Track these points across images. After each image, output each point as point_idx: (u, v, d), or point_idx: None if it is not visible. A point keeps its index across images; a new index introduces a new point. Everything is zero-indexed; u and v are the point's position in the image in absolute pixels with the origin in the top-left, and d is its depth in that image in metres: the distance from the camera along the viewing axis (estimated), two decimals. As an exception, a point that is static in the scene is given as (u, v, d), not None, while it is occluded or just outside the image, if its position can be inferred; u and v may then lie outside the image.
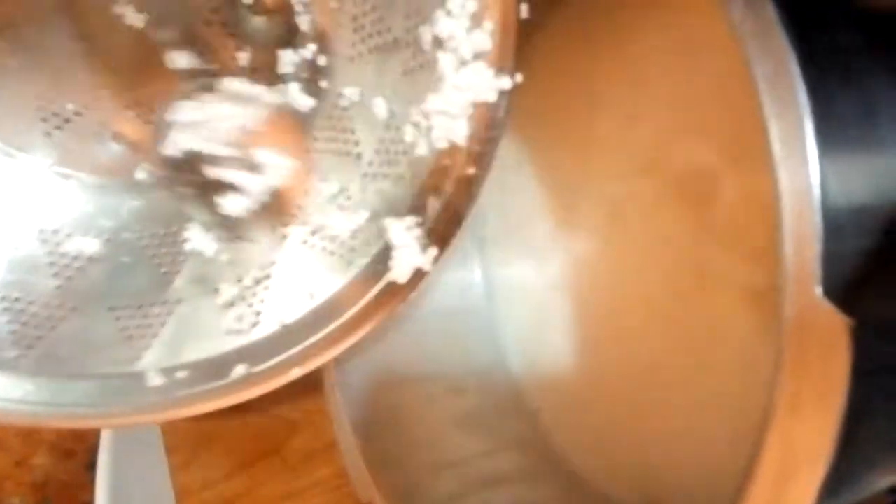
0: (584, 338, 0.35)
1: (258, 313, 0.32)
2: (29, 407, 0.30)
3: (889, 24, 0.20)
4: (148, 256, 0.34)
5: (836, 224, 0.17)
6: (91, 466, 0.37)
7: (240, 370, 0.30)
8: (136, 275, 0.33)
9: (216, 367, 0.31)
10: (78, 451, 0.38)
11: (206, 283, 0.33)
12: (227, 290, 0.32)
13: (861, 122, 0.19)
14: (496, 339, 0.37)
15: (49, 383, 0.30)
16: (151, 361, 0.31)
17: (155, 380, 0.30)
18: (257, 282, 0.33)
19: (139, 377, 0.31)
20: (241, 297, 0.32)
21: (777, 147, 0.16)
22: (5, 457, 0.37)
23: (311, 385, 0.37)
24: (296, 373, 0.30)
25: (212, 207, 0.34)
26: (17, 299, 0.31)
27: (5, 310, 0.31)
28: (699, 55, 0.28)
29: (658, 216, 0.31)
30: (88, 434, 0.37)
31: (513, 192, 0.36)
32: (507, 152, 0.35)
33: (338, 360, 0.34)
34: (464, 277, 0.37)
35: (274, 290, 0.32)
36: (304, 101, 0.33)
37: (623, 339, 0.34)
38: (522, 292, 0.37)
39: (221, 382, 0.30)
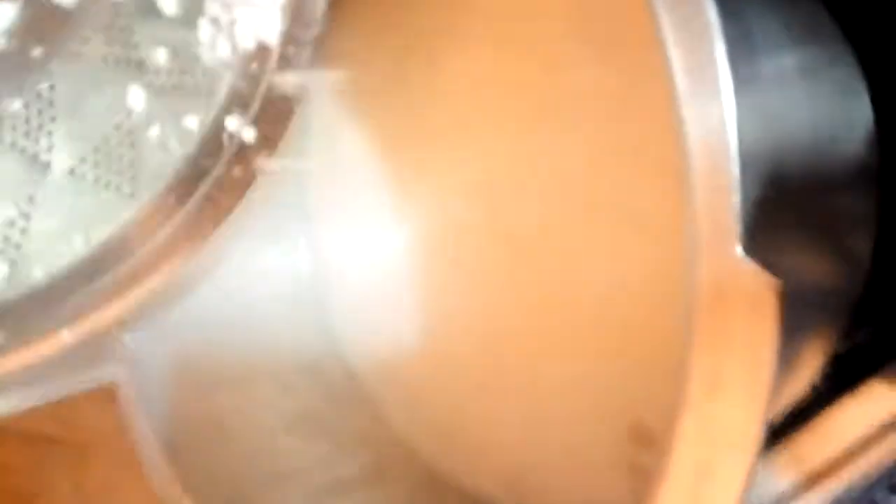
0: (428, 314, 0.32)
1: (13, 263, 0.27)
2: None
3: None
4: None
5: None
6: None
7: None
8: None
9: None
10: None
11: None
12: None
13: (741, 55, 0.17)
14: (328, 328, 0.33)
15: None
16: None
17: None
18: (10, 223, 0.27)
19: None
20: None
21: (681, 79, 0.13)
22: None
23: (107, 397, 0.32)
24: (66, 336, 0.26)
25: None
26: None
27: None
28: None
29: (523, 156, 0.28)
30: None
31: (339, 158, 0.32)
32: (332, 108, 0.31)
33: (136, 364, 0.29)
34: (289, 263, 0.33)
35: (34, 232, 0.27)
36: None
37: (473, 310, 0.31)
38: (355, 272, 0.33)
39: None
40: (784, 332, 0.22)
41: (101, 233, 0.26)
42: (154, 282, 0.26)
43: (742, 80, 0.17)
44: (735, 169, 0.14)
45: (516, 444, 0.29)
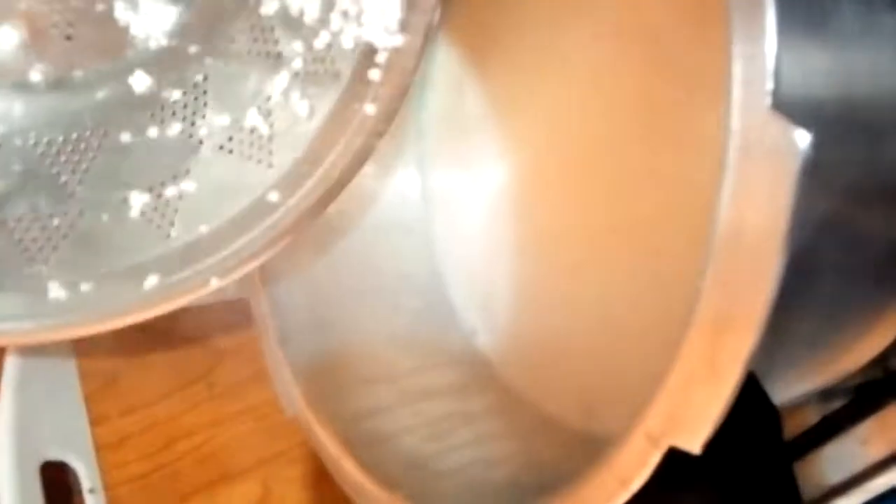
0: (522, 254, 0.34)
1: (172, 223, 0.30)
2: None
3: None
4: (44, 165, 0.31)
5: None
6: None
7: (152, 281, 0.28)
8: (30, 184, 0.31)
9: (126, 279, 0.29)
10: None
11: (113, 193, 0.31)
12: (137, 199, 0.30)
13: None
14: (434, 256, 0.36)
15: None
16: (52, 274, 0.29)
17: (57, 293, 0.28)
18: (170, 190, 0.31)
19: (42, 290, 0.28)
20: (153, 207, 0.30)
21: None
22: None
23: (241, 313, 0.36)
24: (214, 284, 0.28)
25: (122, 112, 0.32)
26: None
27: None
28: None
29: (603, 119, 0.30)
30: (-8, 354, 0.35)
31: (454, 103, 0.35)
32: (447, 60, 0.34)
33: (267, 269, 0.33)
34: (403, 192, 0.36)
35: (188, 198, 0.30)
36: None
37: (560, 255, 0.33)
38: (461, 210, 0.36)
39: (132, 295, 0.29)
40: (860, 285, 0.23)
41: (245, 198, 0.29)
42: (284, 243, 0.29)
43: (819, 30, 0.18)
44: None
45: (590, 371, 0.31)
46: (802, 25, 0.18)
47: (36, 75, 0.31)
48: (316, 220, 0.29)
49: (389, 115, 0.28)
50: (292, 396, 0.32)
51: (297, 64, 0.29)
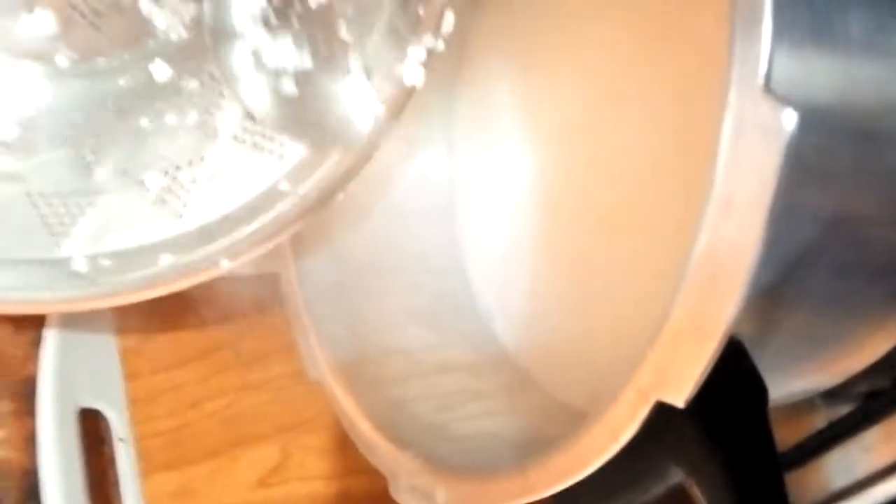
0: (540, 244, 0.36)
1: (185, 205, 0.32)
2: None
3: None
4: (69, 145, 0.33)
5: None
6: (39, 342, 0.37)
7: (166, 260, 0.30)
8: (55, 163, 0.33)
9: (142, 256, 0.31)
10: (26, 325, 0.38)
11: (132, 175, 0.33)
12: (154, 182, 0.32)
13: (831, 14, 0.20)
14: (455, 240, 0.38)
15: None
16: (74, 249, 0.31)
17: (79, 266, 0.30)
18: (185, 175, 0.32)
19: (64, 263, 0.30)
20: (168, 190, 0.32)
21: None
22: (-48, 325, 0.37)
23: (272, 286, 0.38)
24: (225, 265, 0.30)
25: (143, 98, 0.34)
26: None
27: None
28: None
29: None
30: (37, 310, 0.37)
31: (484, 93, 0.37)
32: (479, 51, 0.36)
33: (297, 245, 0.35)
34: (429, 177, 0.38)
35: (202, 184, 0.32)
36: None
37: (577, 247, 0.34)
38: (484, 197, 0.38)
39: (148, 272, 0.30)
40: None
41: (257, 187, 0.31)
42: (293, 230, 0.30)
43: (826, 39, 0.20)
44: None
45: (598, 358, 0.32)
46: (808, 30, 0.20)
47: (63, 60, 0.33)
48: (324, 208, 0.30)
49: (395, 114, 0.29)
50: (316, 361, 0.34)
51: (310, 61, 0.31)
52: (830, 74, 0.21)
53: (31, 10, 0.32)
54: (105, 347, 0.39)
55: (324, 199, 0.30)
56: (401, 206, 0.37)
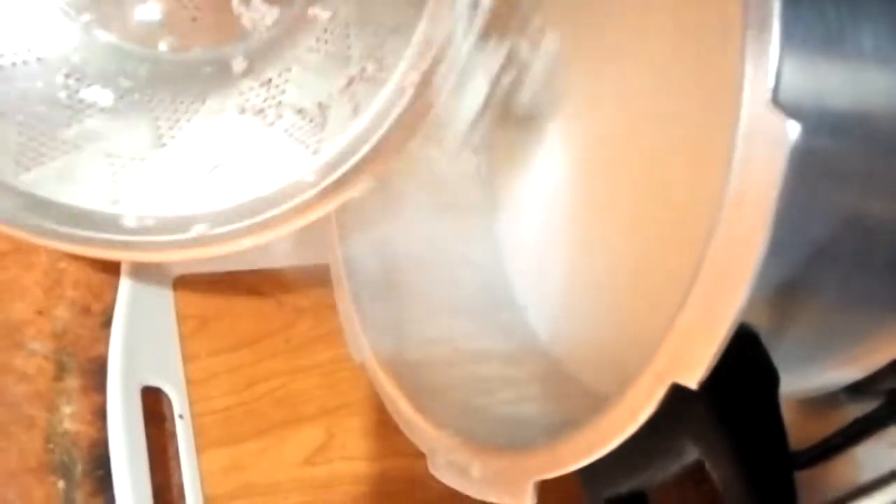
0: (574, 240, 0.37)
1: (228, 185, 0.36)
2: (14, 216, 0.34)
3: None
4: (152, 118, 0.38)
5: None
6: (107, 324, 0.40)
7: (198, 229, 0.35)
8: (137, 131, 0.38)
9: (180, 223, 0.35)
10: (96, 308, 0.41)
11: (193, 151, 0.37)
12: (208, 162, 0.36)
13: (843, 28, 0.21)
14: (494, 236, 0.40)
15: (38, 202, 0.35)
16: (128, 206, 0.36)
17: (129, 222, 0.35)
18: (234, 160, 0.37)
19: (116, 217, 0.35)
20: (219, 169, 0.36)
21: None
22: (28, 304, 0.40)
23: (321, 277, 0.41)
24: (246, 242, 0.34)
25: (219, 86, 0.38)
26: (32, 126, 0.36)
27: (20, 124, 0.35)
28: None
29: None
30: (106, 294, 0.41)
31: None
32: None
33: (344, 236, 0.37)
34: (469, 175, 0.40)
35: (246, 168, 0.36)
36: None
37: (609, 244, 0.36)
38: (522, 195, 0.40)
39: (181, 236, 0.35)
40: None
41: (290, 176, 0.35)
42: (311, 218, 0.34)
43: (837, 47, 0.21)
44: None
45: (627, 350, 0.34)
46: (821, 43, 0.21)
47: (163, 46, 0.38)
48: (343, 199, 0.33)
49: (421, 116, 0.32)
50: (361, 346, 0.36)
51: (358, 67, 0.35)
52: (842, 86, 0.22)
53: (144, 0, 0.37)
54: (166, 331, 0.41)
55: (345, 191, 0.33)
56: (441, 204, 0.39)
